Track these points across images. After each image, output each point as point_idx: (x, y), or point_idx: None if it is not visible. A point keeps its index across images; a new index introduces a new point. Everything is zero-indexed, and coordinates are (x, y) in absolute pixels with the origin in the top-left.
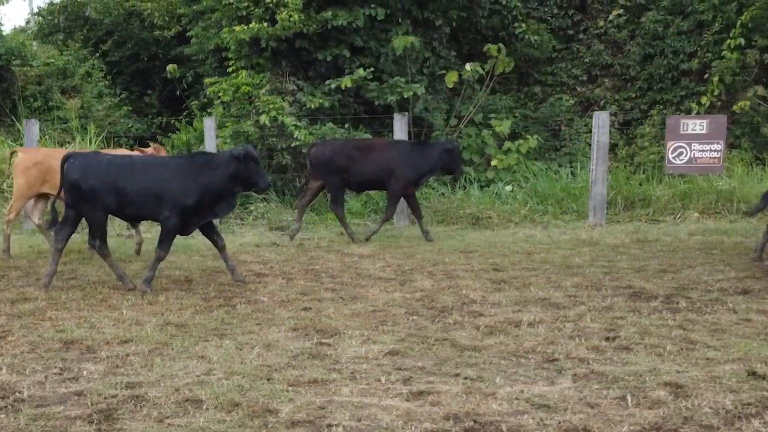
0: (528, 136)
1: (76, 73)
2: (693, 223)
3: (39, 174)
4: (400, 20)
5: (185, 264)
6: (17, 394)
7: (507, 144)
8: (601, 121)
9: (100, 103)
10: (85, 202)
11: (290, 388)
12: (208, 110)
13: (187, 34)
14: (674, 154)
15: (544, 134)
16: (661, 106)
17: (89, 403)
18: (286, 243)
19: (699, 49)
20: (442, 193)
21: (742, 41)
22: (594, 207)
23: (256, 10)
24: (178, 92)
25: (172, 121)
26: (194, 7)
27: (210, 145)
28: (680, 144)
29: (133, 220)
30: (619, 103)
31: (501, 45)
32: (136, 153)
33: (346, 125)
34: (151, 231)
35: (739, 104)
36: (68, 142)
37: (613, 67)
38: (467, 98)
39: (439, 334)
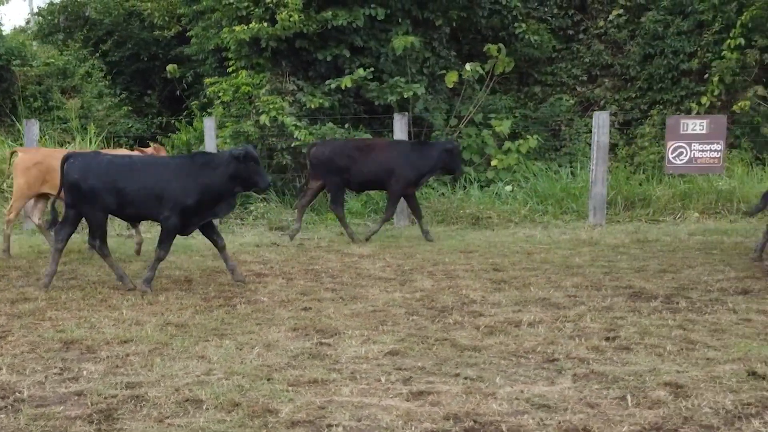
0: (528, 136)
1: (76, 73)
2: (693, 223)
3: (39, 174)
4: (400, 20)
5: (185, 264)
6: (17, 394)
7: (507, 144)
8: (601, 121)
9: (100, 103)
10: (85, 202)
11: (290, 388)
12: (208, 110)
13: (187, 34)
14: (674, 154)
15: (544, 134)
16: (661, 106)
17: (89, 403)
18: (286, 243)
19: (699, 49)
20: (442, 193)
21: (742, 41)
22: (594, 207)
23: (256, 10)
24: (178, 92)
25: (172, 121)
26: (194, 7)
27: (210, 145)
28: (680, 144)
29: (134, 220)
30: (619, 103)
31: (501, 45)
32: (136, 153)
33: (346, 125)
34: (151, 231)
35: (739, 104)
36: (68, 142)
37: (613, 67)
38: (467, 98)
39: (439, 334)
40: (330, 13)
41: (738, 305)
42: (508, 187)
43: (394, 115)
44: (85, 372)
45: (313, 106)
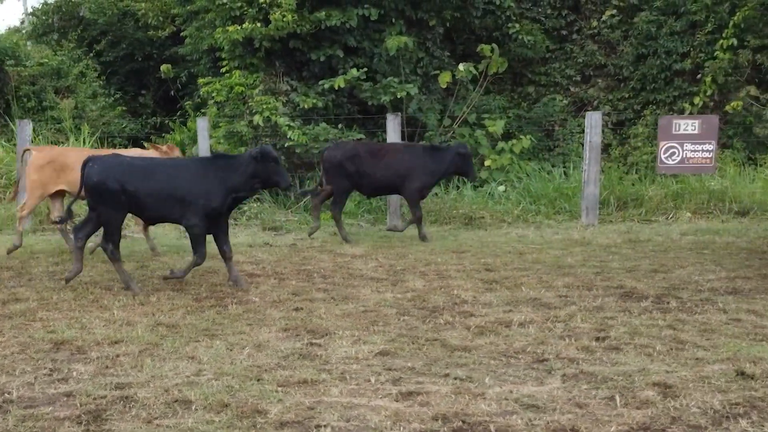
0: (521, 137)
1: (70, 73)
2: (685, 223)
3: (53, 172)
4: (393, 20)
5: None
6: (6, 395)
7: (500, 144)
8: (593, 121)
9: (94, 103)
10: (104, 204)
11: (280, 389)
12: (202, 110)
13: (181, 34)
14: (666, 155)
15: (538, 134)
16: (654, 107)
17: (78, 404)
18: (278, 243)
19: (692, 49)
20: (436, 194)
21: (735, 42)
22: (586, 207)
23: (250, 10)
24: (172, 92)
25: (167, 122)
26: (188, 8)
27: (203, 145)
28: (672, 144)
29: (154, 222)
30: (613, 103)
31: (494, 45)
32: (151, 152)
33: (340, 125)
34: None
35: (732, 104)
36: (62, 142)
37: (607, 68)
38: (461, 98)
39: (429, 334)
40: (323, 13)
41: (728, 305)
42: (501, 187)
43: (387, 116)
44: (74, 373)
45: (306, 107)
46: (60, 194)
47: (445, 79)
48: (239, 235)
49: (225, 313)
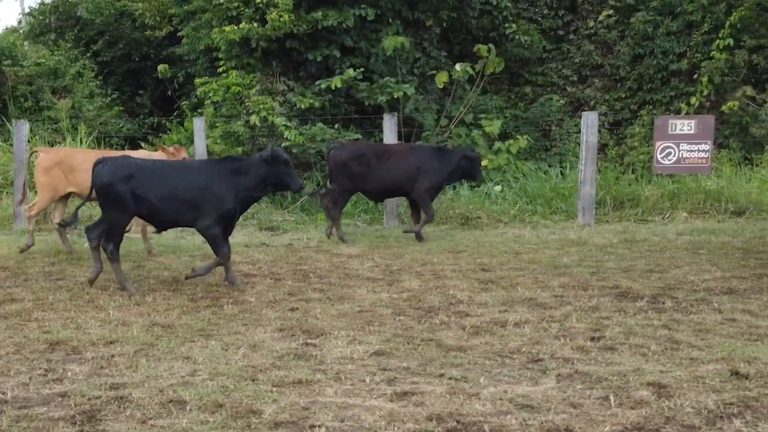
0: (518, 136)
1: (67, 73)
2: (681, 222)
3: (61, 173)
4: (390, 20)
5: (174, 264)
6: (1, 395)
7: (497, 144)
8: (589, 121)
9: (91, 103)
10: (112, 206)
11: (274, 389)
12: (199, 110)
13: (178, 34)
14: (662, 155)
15: (535, 134)
16: (650, 107)
17: (73, 405)
18: (275, 243)
19: (688, 49)
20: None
21: (731, 42)
22: (583, 207)
23: (246, 10)
24: (169, 92)
25: (164, 122)
26: (185, 8)
27: (200, 145)
28: (668, 144)
29: (165, 227)
30: (609, 103)
31: (491, 45)
32: (158, 154)
33: (336, 125)
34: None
35: (728, 104)
36: (59, 143)
37: (603, 68)
38: (458, 98)
39: (425, 334)
40: (320, 13)
41: (723, 305)
42: (498, 187)
43: (383, 116)
44: (69, 373)
45: (303, 107)
46: (65, 196)
47: (441, 79)
48: (236, 235)
49: (221, 314)
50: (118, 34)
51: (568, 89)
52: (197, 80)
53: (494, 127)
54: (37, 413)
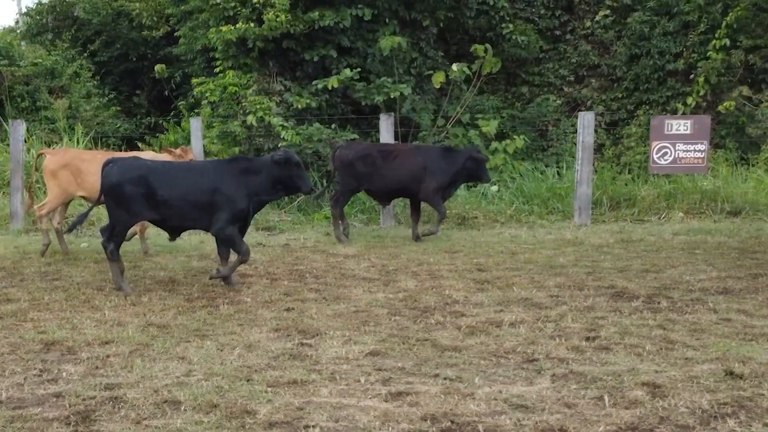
0: (515, 137)
1: (64, 73)
2: (677, 222)
3: (70, 176)
4: (387, 20)
5: (170, 264)
6: None
7: (494, 144)
8: (586, 121)
9: (88, 103)
10: (118, 206)
11: (269, 389)
12: (196, 110)
13: (176, 34)
14: (659, 155)
15: (531, 134)
16: (647, 107)
17: (67, 405)
18: (271, 243)
19: (685, 49)
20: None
21: (728, 42)
22: (579, 207)
23: (243, 10)
24: (166, 92)
25: (161, 122)
26: (182, 8)
27: (196, 145)
28: (665, 144)
29: (177, 231)
30: (606, 103)
31: (488, 45)
32: (164, 156)
33: (333, 126)
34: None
35: (725, 104)
36: (56, 143)
37: (600, 68)
38: (454, 98)
39: (420, 334)
40: (317, 13)
41: (718, 305)
42: (494, 187)
43: (380, 116)
44: (64, 373)
45: (300, 107)
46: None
47: (438, 79)
48: None
49: (216, 314)
50: (116, 34)
51: (565, 89)
52: (194, 80)
53: (491, 127)
54: (31, 414)
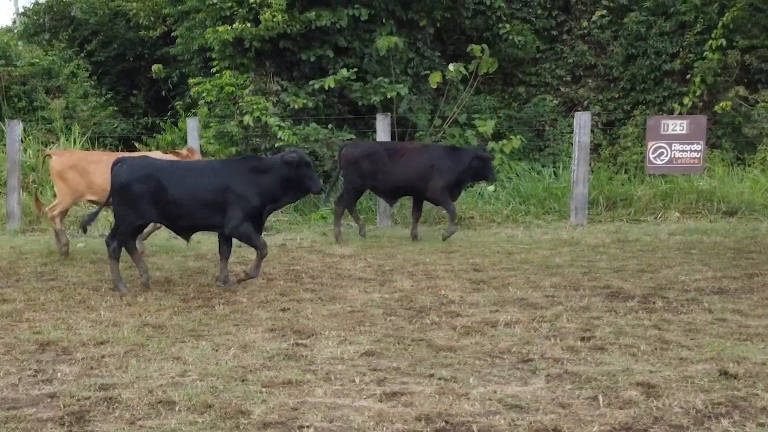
0: (512, 137)
1: (61, 73)
2: (673, 222)
3: (78, 177)
4: (384, 20)
5: (166, 264)
6: None
7: (491, 144)
8: (582, 121)
9: (85, 103)
10: (126, 205)
11: (264, 389)
12: (193, 110)
13: (173, 34)
14: (655, 155)
15: (528, 134)
16: (643, 107)
17: (61, 405)
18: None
19: (681, 49)
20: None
21: (724, 42)
22: (575, 207)
23: (240, 10)
24: (163, 92)
25: (158, 122)
26: (179, 8)
27: (193, 146)
28: (661, 144)
29: (188, 232)
30: (603, 103)
31: (484, 45)
32: (170, 157)
33: (330, 126)
34: None
35: (721, 105)
36: (52, 143)
37: (597, 68)
38: (451, 98)
39: (415, 334)
40: (313, 13)
41: (714, 305)
42: (491, 188)
43: (377, 116)
44: (59, 374)
45: (296, 107)
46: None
47: (435, 79)
48: None
49: (212, 314)
50: (113, 34)
51: (562, 89)
52: (191, 80)
53: (488, 127)
54: (25, 414)
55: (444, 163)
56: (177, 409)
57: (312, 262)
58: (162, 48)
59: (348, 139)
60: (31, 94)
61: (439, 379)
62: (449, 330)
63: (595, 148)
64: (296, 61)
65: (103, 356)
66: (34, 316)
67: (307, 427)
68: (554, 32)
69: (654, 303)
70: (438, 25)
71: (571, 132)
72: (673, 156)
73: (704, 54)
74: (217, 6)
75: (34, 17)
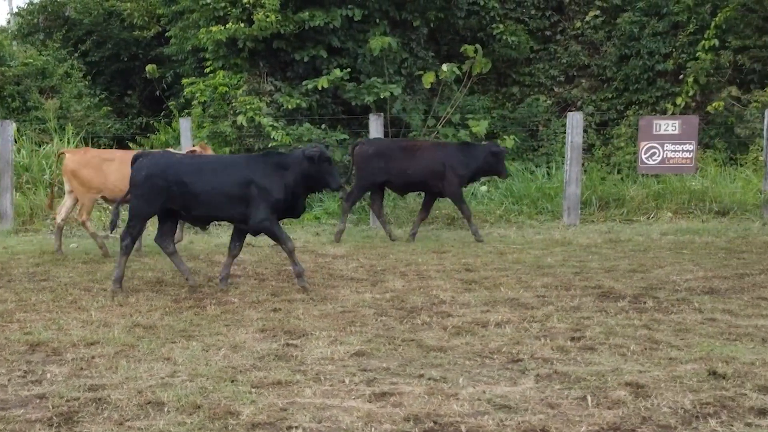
0: (505, 137)
1: (54, 73)
2: (666, 222)
3: (92, 174)
4: (377, 21)
5: (158, 265)
6: None
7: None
8: (575, 121)
9: (79, 103)
10: (143, 198)
11: (253, 390)
12: (187, 111)
13: (167, 34)
14: (647, 155)
15: (522, 135)
16: (637, 107)
17: (50, 406)
18: (260, 243)
19: (674, 50)
20: (419, 193)
21: (716, 42)
22: (568, 207)
23: (233, 10)
24: (157, 92)
25: (152, 122)
26: (173, 8)
27: (186, 146)
28: (653, 144)
29: (203, 222)
30: (596, 103)
31: (478, 46)
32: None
33: (323, 126)
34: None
35: (714, 105)
36: (46, 143)
37: (590, 68)
38: (445, 99)
39: (406, 334)
40: (307, 13)
41: (704, 305)
42: (484, 188)
43: (369, 116)
44: (48, 375)
45: (290, 107)
46: (74, 195)
47: (428, 79)
48: (222, 235)
49: (203, 314)
50: (107, 34)
51: (555, 89)
52: (184, 80)
53: (481, 127)
54: (14, 415)
55: (458, 159)
56: (166, 409)
57: (304, 263)
58: (156, 48)
59: (342, 140)
60: (25, 94)
61: (429, 379)
62: (440, 330)
63: (589, 149)
64: (290, 61)
65: (93, 357)
66: (25, 316)
67: (296, 427)
68: (548, 32)
69: (645, 303)
70: (431, 25)
71: (565, 132)
72: (665, 156)
73: (697, 54)
74: (211, 6)
75: (29, 17)
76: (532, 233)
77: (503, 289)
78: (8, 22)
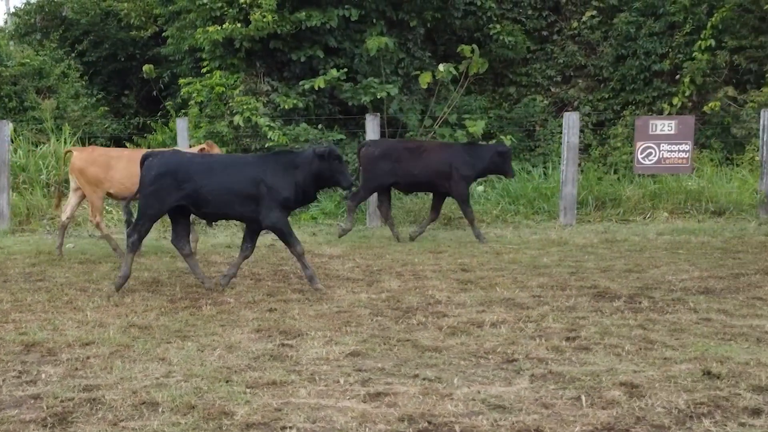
0: (502, 137)
1: (51, 74)
2: (662, 222)
3: (99, 172)
4: (374, 21)
5: (154, 265)
6: None
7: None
8: (571, 121)
9: (76, 103)
10: (153, 198)
11: (248, 390)
12: (184, 111)
13: (164, 34)
14: (643, 155)
15: (519, 135)
16: (633, 107)
17: (45, 407)
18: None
19: (670, 50)
20: (416, 194)
21: (713, 42)
22: (564, 207)
23: (230, 10)
24: (155, 93)
25: (149, 122)
26: (170, 8)
27: (183, 146)
28: (649, 144)
29: (213, 219)
30: (593, 103)
31: (474, 46)
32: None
33: (320, 126)
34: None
35: (710, 105)
36: (43, 143)
37: (587, 68)
38: (442, 99)
39: (401, 335)
40: (304, 13)
41: (699, 305)
42: (480, 188)
43: (366, 116)
44: (43, 375)
45: (287, 107)
46: (83, 195)
47: (425, 79)
48: (218, 235)
49: (198, 315)
50: (104, 34)
51: (552, 90)
52: (181, 80)
53: (478, 127)
54: (8, 416)
55: (464, 160)
56: (160, 410)
57: None
58: (153, 48)
59: (339, 140)
60: (22, 94)
61: (424, 379)
62: (435, 330)
63: (585, 149)
64: (286, 61)
65: (88, 357)
66: (20, 317)
67: (290, 427)
68: (544, 33)
69: (640, 303)
70: (428, 25)
71: (561, 132)
72: (661, 156)
73: (693, 54)
74: (208, 6)
75: (26, 17)
76: (528, 233)
77: (499, 289)
78: (5, 22)
